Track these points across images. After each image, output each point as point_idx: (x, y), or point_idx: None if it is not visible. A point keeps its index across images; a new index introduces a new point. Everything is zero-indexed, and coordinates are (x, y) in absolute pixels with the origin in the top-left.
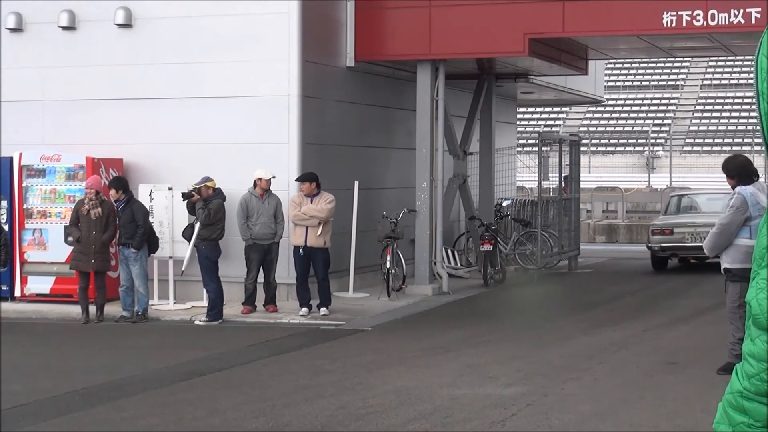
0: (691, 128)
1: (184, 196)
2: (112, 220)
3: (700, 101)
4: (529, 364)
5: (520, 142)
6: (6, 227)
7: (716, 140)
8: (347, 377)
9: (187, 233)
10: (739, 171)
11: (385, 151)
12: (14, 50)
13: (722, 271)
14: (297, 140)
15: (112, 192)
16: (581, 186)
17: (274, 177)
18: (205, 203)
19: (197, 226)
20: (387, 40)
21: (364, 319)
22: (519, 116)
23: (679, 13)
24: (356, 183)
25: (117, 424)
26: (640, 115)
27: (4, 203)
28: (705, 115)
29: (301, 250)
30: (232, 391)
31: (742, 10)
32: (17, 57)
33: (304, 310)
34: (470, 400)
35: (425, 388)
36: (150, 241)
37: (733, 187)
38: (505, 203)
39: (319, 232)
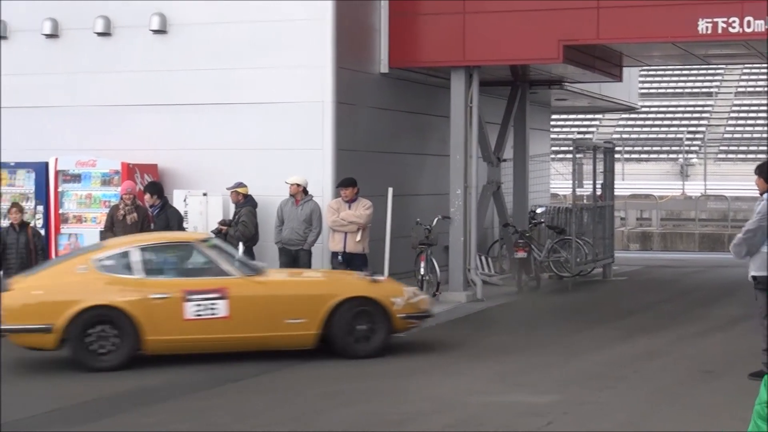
0: (725, 135)
1: (215, 232)
2: (147, 225)
3: (734, 108)
4: (563, 371)
5: (554, 149)
6: (42, 232)
7: (750, 147)
8: (379, 383)
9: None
10: None
11: (418, 157)
12: (50, 56)
13: (750, 278)
14: (331, 146)
15: (147, 197)
16: (615, 193)
17: (298, 184)
18: (237, 212)
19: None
20: (421, 46)
21: None
22: (552, 123)
23: (715, 19)
24: (390, 190)
25: (147, 429)
26: (674, 122)
27: (41, 208)
28: (739, 122)
29: (339, 256)
30: (263, 397)
31: None
32: (53, 62)
33: None
34: (504, 408)
35: (458, 396)
36: None
37: (762, 193)
38: (539, 210)
39: (358, 238)
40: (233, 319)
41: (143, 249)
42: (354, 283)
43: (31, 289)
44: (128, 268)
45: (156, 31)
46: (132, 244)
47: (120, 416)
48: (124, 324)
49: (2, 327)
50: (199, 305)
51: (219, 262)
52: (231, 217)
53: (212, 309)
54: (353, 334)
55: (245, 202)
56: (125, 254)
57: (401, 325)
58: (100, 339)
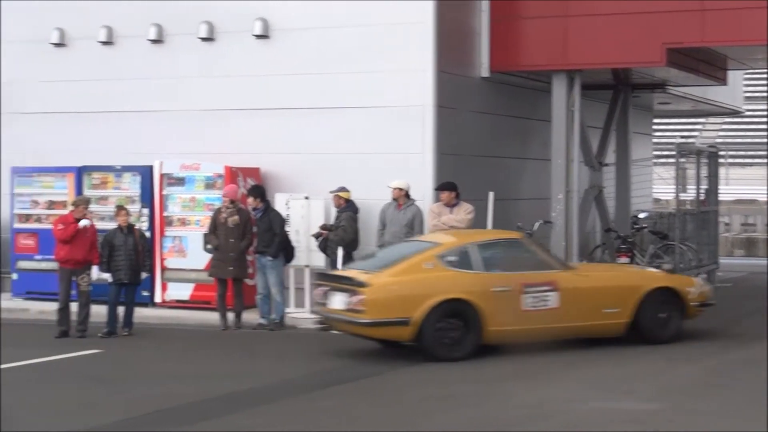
0: None
1: (315, 236)
2: (249, 229)
3: None
4: (665, 378)
5: (656, 153)
6: (147, 234)
7: None
8: (483, 388)
9: (321, 244)
10: None
11: (519, 161)
12: (155, 61)
13: None
14: (432, 150)
15: (250, 200)
16: (719, 198)
17: (400, 188)
18: (338, 216)
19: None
20: (522, 50)
21: None
22: (654, 127)
23: None
24: (491, 194)
25: (254, 430)
26: None
27: (146, 211)
28: None
29: None
30: (369, 400)
31: None
32: (158, 67)
33: None
34: (605, 416)
35: (560, 402)
36: (286, 250)
37: None
38: (641, 215)
39: None
40: (562, 309)
41: (480, 246)
42: (657, 275)
43: (388, 284)
44: (469, 263)
45: (258, 36)
46: (469, 241)
47: (228, 417)
48: (471, 316)
49: (364, 321)
50: (534, 297)
51: (544, 257)
52: (332, 221)
53: (545, 300)
54: (656, 321)
55: (347, 207)
56: (465, 251)
57: (693, 312)
58: (448, 331)
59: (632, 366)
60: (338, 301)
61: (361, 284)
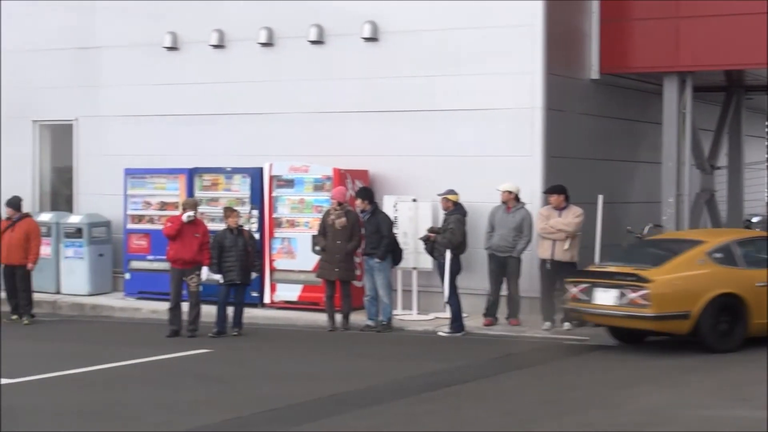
0: None
1: (423, 239)
2: (357, 231)
3: None
4: None
5: None
6: (257, 235)
7: None
8: (593, 394)
9: (429, 247)
10: None
11: (629, 164)
12: (265, 64)
13: None
14: (540, 153)
15: (358, 202)
16: None
17: (510, 191)
18: (446, 219)
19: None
20: (632, 52)
21: (608, 335)
22: None
23: None
24: (600, 197)
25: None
26: None
27: (255, 212)
28: None
29: (547, 263)
30: (476, 404)
31: None
32: (269, 70)
33: (548, 324)
34: (722, 423)
35: (675, 408)
36: (394, 252)
37: None
38: (754, 219)
39: (566, 246)
40: None
41: (739, 243)
42: None
43: (672, 280)
44: (733, 260)
45: (367, 39)
46: (729, 238)
47: (335, 418)
48: (740, 310)
49: (650, 314)
50: None
51: None
52: (440, 224)
53: None
54: None
55: (455, 210)
56: (728, 248)
57: None
58: (720, 324)
59: (757, 372)
60: (609, 297)
61: (645, 280)
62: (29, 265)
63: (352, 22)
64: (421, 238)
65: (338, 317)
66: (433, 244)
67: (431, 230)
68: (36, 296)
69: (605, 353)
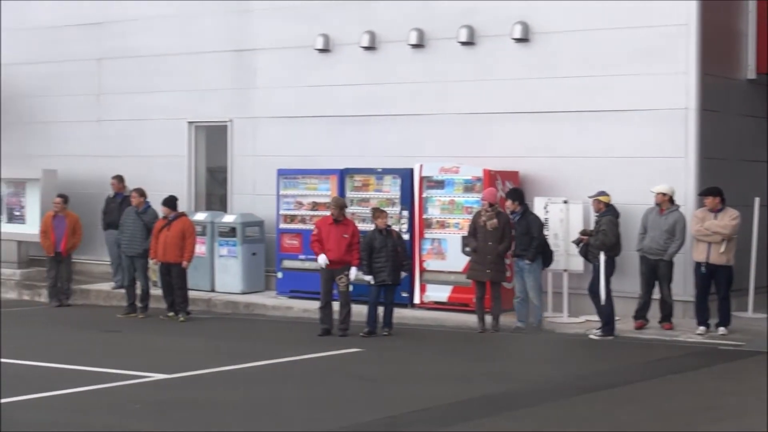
0: None
1: (576, 242)
2: (508, 232)
3: None
4: None
5: None
6: (407, 236)
7: None
8: (749, 401)
9: (582, 250)
10: None
11: None
12: (416, 65)
13: None
14: (695, 154)
15: (509, 203)
16: None
17: (664, 193)
18: (598, 221)
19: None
20: None
21: (764, 340)
22: None
23: None
24: (757, 200)
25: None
26: None
27: (406, 213)
28: None
29: (702, 266)
30: (629, 408)
31: None
32: (420, 72)
33: (702, 328)
34: None
35: None
36: (544, 254)
37: None
38: None
39: (722, 249)
40: None
41: None
42: None
43: None
44: None
45: (518, 40)
46: None
47: (485, 419)
48: None
49: None
50: None
51: None
52: (591, 226)
53: None
54: None
55: (606, 212)
56: None
57: None
58: None
59: None
60: None
61: None
62: (185, 263)
63: (503, 23)
64: (574, 241)
65: (488, 319)
66: (586, 246)
67: (583, 233)
68: (191, 294)
69: (761, 359)
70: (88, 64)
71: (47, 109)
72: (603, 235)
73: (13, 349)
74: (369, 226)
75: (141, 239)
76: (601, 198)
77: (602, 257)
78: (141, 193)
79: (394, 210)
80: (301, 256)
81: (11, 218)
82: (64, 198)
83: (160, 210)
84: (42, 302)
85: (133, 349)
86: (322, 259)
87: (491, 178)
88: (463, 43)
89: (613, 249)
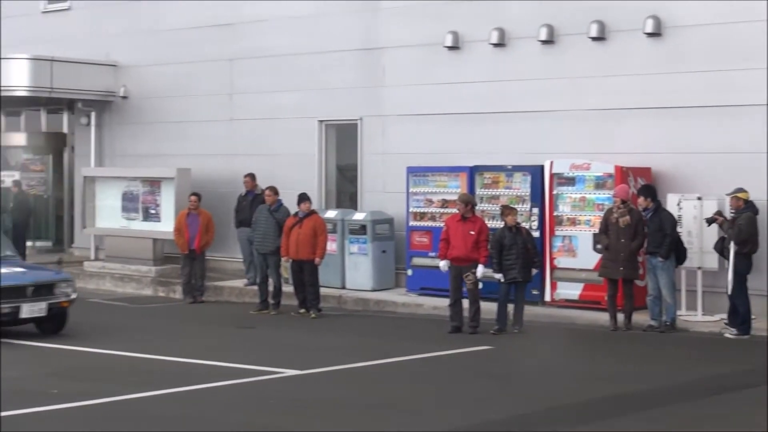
0: None
1: (708, 221)
2: (641, 229)
3: None
4: None
5: None
6: (537, 234)
7: None
8: None
9: (718, 245)
10: None
11: None
12: (546, 61)
13: None
14: None
15: (641, 200)
16: None
17: None
18: (734, 218)
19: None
20: None
21: None
22: None
23: None
24: None
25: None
26: None
27: (536, 210)
28: None
29: None
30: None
31: None
32: (550, 68)
33: None
34: None
35: None
36: (678, 251)
37: None
38: None
39: None
40: None
41: None
42: None
43: None
44: None
45: (650, 34)
46: None
47: (614, 419)
48: None
49: None
50: None
51: None
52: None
53: None
54: None
55: (745, 208)
56: None
57: None
58: None
59: None
60: None
61: None
62: (317, 261)
63: (634, 18)
64: (707, 219)
65: (620, 317)
66: (722, 242)
67: (718, 213)
68: (322, 291)
69: None
70: (220, 64)
71: (181, 109)
72: (738, 229)
73: (149, 345)
74: (499, 224)
75: (273, 237)
76: (740, 195)
77: (732, 248)
78: (275, 191)
79: (524, 207)
80: (431, 254)
81: (147, 216)
82: (199, 196)
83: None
84: (176, 299)
85: (265, 345)
86: (443, 264)
87: (623, 174)
88: (594, 39)
89: (749, 245)
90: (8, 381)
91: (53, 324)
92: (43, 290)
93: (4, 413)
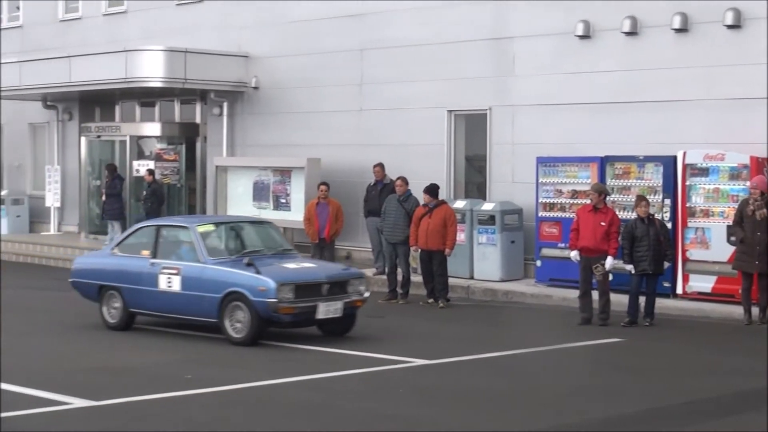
0: None
1: None
2: None
3: None
4: None
5: None
6: (669, 225)
7: None
8: None
9: None
10: None
11: None
12: (679, 50)
13: None
14: None
15: None
16: None
17: None
18: None
19: None
20: None
21: None
22: None
23: None
24: None
25: None
26: None
27: (668, 202)
28: None
29: None
30: None
31: None
32: (682, 57)
33: None
34: None
35: None
36: None
37: None
38: None
39: None
40: None
41: None
42: None
43: None
44: None
45: None
46: None
47: (746, 414)
48: None
49: None
50: None
51: None
52: None
53: None
54: None
55: None
56: None
57: None
58: None
59: None
60: None
61: None
62: (447, 251)
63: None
64: None
65: (755, 311)
66: None
67: None
68: (450, 281)
69: None
70: (350, 54)
71: (310, 100)
72: None
73: (281, 333)
74: (629, 215)
75: (403, 226)
76: None
77: None
78: (405, 181)
79: (655, 198)
80: (561, 245)
81: (277, 205)
82: (328, 186)
83: (423, 198)
84: None
85: (395, 335)
86: (574, 255)
87: (759, 165)
88: (729, 27)
89: None
90: (153, 367)
91: (341, 326)
92: (337, 288)
93: None
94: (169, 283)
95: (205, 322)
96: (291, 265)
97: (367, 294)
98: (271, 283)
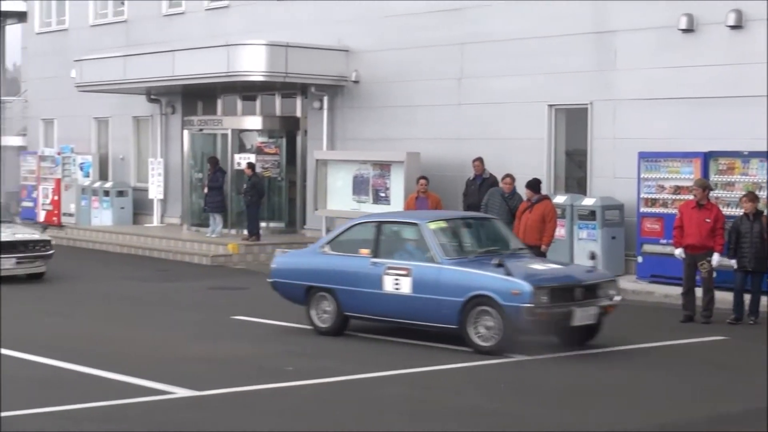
0: None
1: None
2: None
3: None
4: None
5: None
6: None
7: None
8: None
9: None
10: None
11: None
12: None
13: None
14: None
15: None
16: None
17: None
18: None
19: None
20: None
21: None
22: None
23: None
24: None
25: None
26: None
27: None
28: None
29: None
30: None
31: None
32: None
33: None
34: None
35: None
36: None
37: None
38: None
39: None
40: None
41: None
42: None
43: None
44: None
45: None
46: None
47: None
48: None
49: None
50: None
51: None
52: None
53: None
54: None
55: None
56: None
57: None
58: None
59: None
60: None
61: None
62: (543, 247)
63: None
64: None
65: None
66: None
67: None
68: None
69: None
70: (449, 49)
71: (409, 94)
72: None
73: (380, 327)
74: (734, 212)
75: (505, 223)
76: None
77: None
78: (513, 179)
79: (761, 194)
80: (663, 241)
81: (377, 199)
82: (428, 180)
83: (525, 192)
84: None
85: None
86: (679, 252)
87: None
88: None
89: None
90: (255, 358)
91: (586, 333)
92: (589, 292)
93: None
94: (397, 285)
95: (440, 328)
96: (538, 266)
97: (618, 298)
98: (527, 287)
